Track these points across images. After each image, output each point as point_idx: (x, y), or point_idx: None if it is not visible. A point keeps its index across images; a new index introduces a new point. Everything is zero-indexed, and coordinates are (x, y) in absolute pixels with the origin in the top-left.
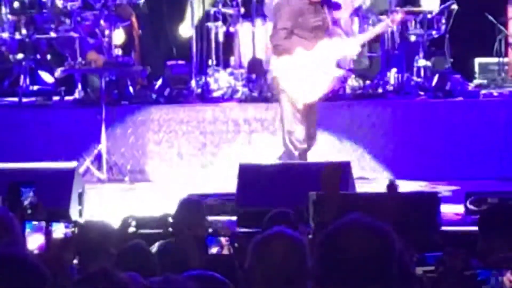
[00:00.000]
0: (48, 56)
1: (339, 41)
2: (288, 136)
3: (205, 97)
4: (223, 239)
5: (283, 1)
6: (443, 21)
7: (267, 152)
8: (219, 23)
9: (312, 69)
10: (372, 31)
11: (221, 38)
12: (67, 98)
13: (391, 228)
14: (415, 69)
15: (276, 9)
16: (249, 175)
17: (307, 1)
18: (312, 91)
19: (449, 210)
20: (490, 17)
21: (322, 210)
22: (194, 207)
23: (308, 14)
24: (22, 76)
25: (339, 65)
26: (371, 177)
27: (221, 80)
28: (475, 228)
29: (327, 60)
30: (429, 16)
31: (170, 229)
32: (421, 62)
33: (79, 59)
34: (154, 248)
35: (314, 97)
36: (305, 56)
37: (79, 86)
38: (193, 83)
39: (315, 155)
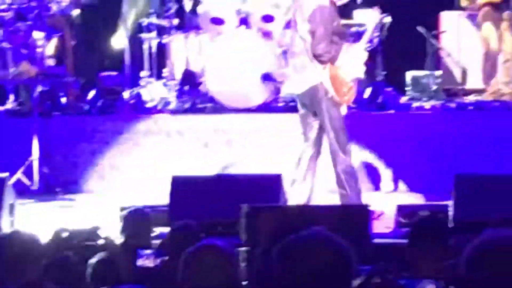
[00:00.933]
0: None
1: (352, 47)
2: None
3: (138, 108)
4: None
5: (317, 7)
6: (376, 33)
7: (200, 163)
8: (152, 34)
9: (348, 75)
10: (368, 32)
11: (154, 49)
12: None
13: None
14: None
15: (312, 16)
16: (181, 187)
17: (333, 5)
18: (351, 97)
19: (380, 223)
20: (423, 30)
21: (254, 222)
22: (141, 218)
23: (337, 18)
24: None
25: (271, 78)
26: None
27: (154, 91)
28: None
29: (355, 67)
30: (361, 29)
31: (101, 241)
32: None
33: (12, 69)
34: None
35: (351, 101)
36: (341, 63)
37: (11, 97)
38: (126, 94)
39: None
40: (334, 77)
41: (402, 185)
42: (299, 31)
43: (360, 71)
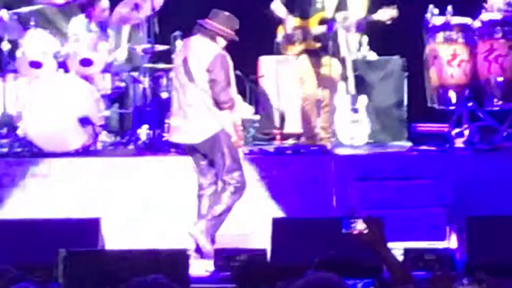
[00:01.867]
0: None
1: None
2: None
3: None
4: None
5: (218, 56)
6: None
7: (17, 207)
8: None
9: (238, 119)
10: None
11: None
12: None
13: None
14: (166, 125)
15: (213, 65)
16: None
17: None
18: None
19: (200, 266)
20: (241, 75)
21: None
22: None
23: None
24: None
25: (89, 121)
26: None
27: None
28: (225, 285)
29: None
30: None
31: None
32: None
33: None
34: None
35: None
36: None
37: None
38: None
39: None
40: (234, 122)
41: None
42: (195, 81)
43: (248, 112)
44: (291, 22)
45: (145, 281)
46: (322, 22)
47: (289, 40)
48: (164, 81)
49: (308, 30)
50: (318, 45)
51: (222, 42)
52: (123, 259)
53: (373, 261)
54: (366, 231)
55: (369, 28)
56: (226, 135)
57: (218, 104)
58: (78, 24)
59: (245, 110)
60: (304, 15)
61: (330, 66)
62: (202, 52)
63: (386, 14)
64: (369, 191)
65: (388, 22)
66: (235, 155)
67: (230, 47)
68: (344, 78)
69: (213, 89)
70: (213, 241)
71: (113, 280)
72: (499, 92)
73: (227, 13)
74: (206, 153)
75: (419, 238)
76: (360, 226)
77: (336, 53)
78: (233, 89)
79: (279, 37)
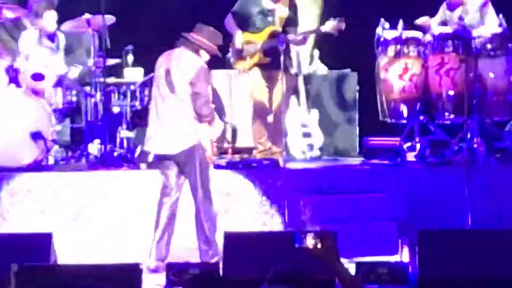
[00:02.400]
0: None
1: None
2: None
3: None
4: None
5: (200, 69)
6: (146, 92)
7: None
8: None
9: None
10: None
11: None
12: None
13: None
14: (118, 140)
15: (196, 78)
16: None
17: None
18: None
19: (152, 281)
20: None
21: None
22: None
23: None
24: None
25: (41, 136)
26: None
27: None
28: None
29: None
30: (132, 87)
31: None
32: (124, 133)
33: None
34: None
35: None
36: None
37: None
38: None
39: None
40: (210, 137)
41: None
42: (177, 92)
43: (220, 128)
44: (240, 36)
45: None
46: (272, 36)
47: (239, 54)
48: (115, 95)
49: (259, 44)
50: (268, 59)
51: (206, 56)
52: (75, 274)
53: (326, 275)
54: (319, 246)
55: (320, 42)
56: (201, 149)
57: (199, 117)
58: (29, 38)
59: (219, 126)
60: (255, 29)
61: (281, 80)
62: (186, 64)
63: (334, 26)
64: (321, 205)
65: (336, 34)
66: (205, 170)
67: None
68: (296, 92)
69: (196, 102)
70: (167, 253)
71: None
72: (450, 106)
73: (212, 28)
74: (179, 164)
75: (371, 252)
76: (312, 240)
77: (287, 67)
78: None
79: (230, 52)
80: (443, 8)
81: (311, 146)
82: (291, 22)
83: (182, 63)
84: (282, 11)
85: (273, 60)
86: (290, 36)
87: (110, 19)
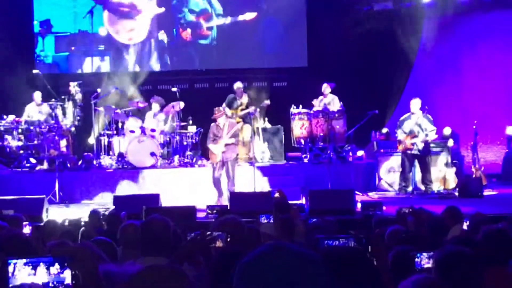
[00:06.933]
0: None
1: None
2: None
3: None
4: None
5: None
6: None
7: None
8: None
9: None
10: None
11: None
12: None
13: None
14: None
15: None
16: None
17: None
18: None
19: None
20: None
21: None
22: None
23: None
24: None
25: (154, 154)
26: None
27: None
28: None
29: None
30: None
31: None
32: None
33: None
34: None
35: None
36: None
37: None
38: None
39: None
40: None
41: None
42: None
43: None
44: (228, 111)
45: None
46: (242, 110)
47: (230, 118)
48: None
49: (237, 113)
50: (241, 119)
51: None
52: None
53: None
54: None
55: (266, 111)
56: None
57: (233, 137)
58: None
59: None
60: (234, 107)
61: (248, 129)
62: None
63: (266, 104)
64: (275, 183)
65: (268, 106)
66: (234, 163)
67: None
68: (257, 133)
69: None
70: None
71: None
72: (321, 139)
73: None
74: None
75: (290, 199)
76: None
77: (251, 123)
78: None
79: (225, 115)
80: (319, 98)
81: (265, 155)
82: (249, 104)
83: None
84: (244, 100)
85: (244, 120)
86: (250, 109)
87: None
